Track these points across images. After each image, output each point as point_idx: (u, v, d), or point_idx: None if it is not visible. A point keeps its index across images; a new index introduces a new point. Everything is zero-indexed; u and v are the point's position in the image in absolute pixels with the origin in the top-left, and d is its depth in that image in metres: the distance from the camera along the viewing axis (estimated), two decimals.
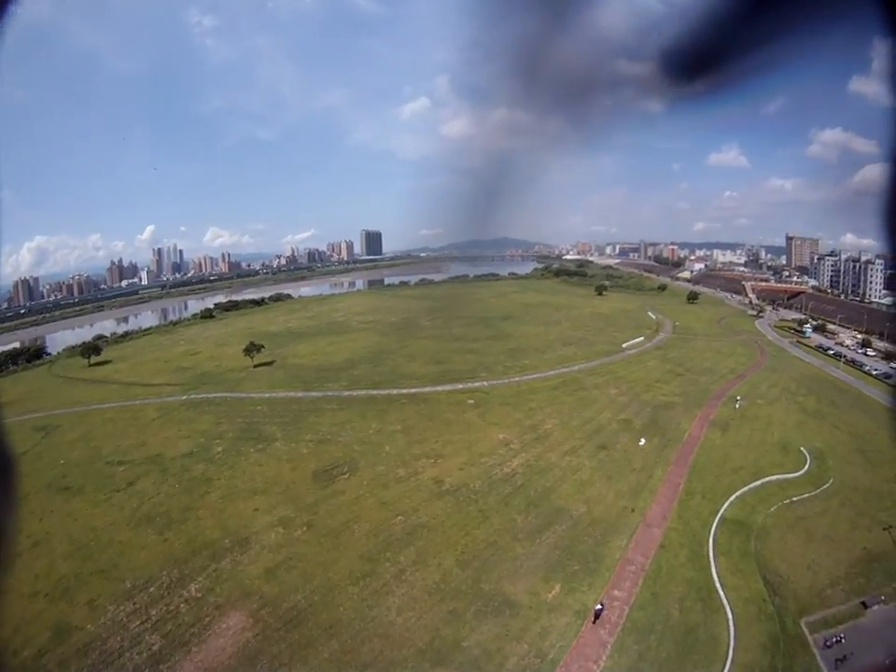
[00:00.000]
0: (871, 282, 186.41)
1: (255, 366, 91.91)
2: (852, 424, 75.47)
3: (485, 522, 46.28)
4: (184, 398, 78.86)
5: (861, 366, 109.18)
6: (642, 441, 64.06)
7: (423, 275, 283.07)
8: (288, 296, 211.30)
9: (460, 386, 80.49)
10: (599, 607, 37.02)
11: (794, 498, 54.79)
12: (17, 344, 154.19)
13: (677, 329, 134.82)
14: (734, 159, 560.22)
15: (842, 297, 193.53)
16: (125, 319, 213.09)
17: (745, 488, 55.56)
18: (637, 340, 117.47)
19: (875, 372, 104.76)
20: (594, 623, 36.24)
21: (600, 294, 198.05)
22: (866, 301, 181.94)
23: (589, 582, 40.17)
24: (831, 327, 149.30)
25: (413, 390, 78.47)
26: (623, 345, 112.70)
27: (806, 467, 61.49)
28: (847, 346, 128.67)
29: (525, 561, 42.02)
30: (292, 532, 44.76)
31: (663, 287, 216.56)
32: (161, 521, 46.96)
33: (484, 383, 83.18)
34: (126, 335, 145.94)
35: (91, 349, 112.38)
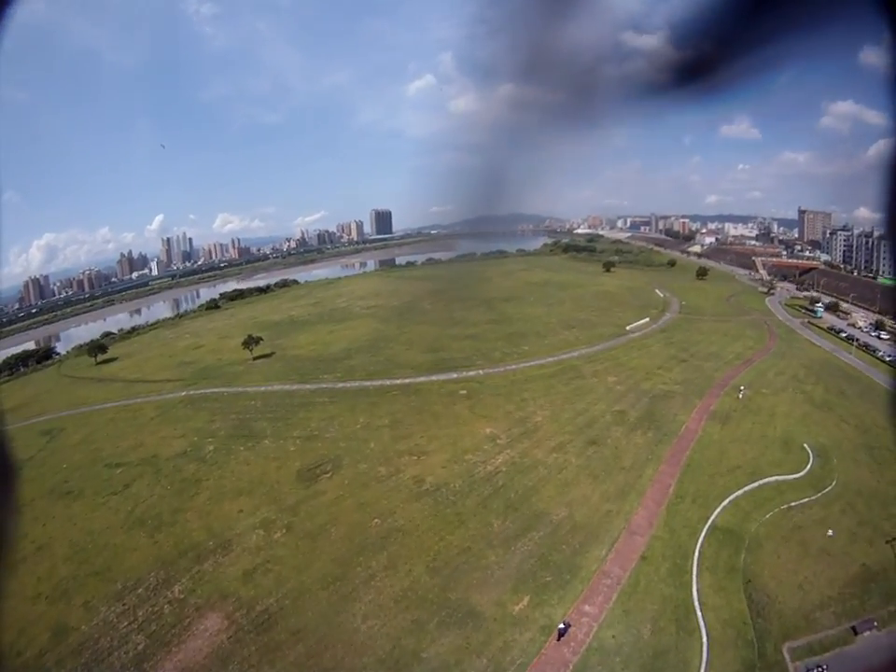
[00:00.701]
0: (884, 258, 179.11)
1: (254, 358, 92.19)
2: (861, 417, 72.25)
3: (461, 526, 45.31)
4: (183, 394, 79.46)
5: (874, 351, 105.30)
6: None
7: (433, 254, 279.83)
8: (294, 282, 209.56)
9: (454, 376, 79.51)
10: (563, 626, 35.29)
11: (793, 504, 52.05)
12: (31, 344, 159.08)
13: (684, 308, 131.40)
14: (745, 131, 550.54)
15: (854, 273, 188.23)
16: (138, 311, 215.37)
17: (740, 491, 53.04)
18: (642, 321, 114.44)
19: (888, 358, 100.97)
20: (558, 640, 34.65)
21: (608, 271, 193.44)
22: (880, 276, 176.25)
23: (560, 596, 38.88)
24: (844, 306, 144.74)
25: (406, 380, 77.64)
26: (628, 328, 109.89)
27: (809, 466, 58.73)
28: (859, 328, 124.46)
29: (497, 570, 41.00)
30: (272, 534, 45.06)
31: (672, 263, 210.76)
32: (153, 523, 48.03)
33: (479, 371, 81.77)
34: (133, 331, 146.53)
35: (98, 347, 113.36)
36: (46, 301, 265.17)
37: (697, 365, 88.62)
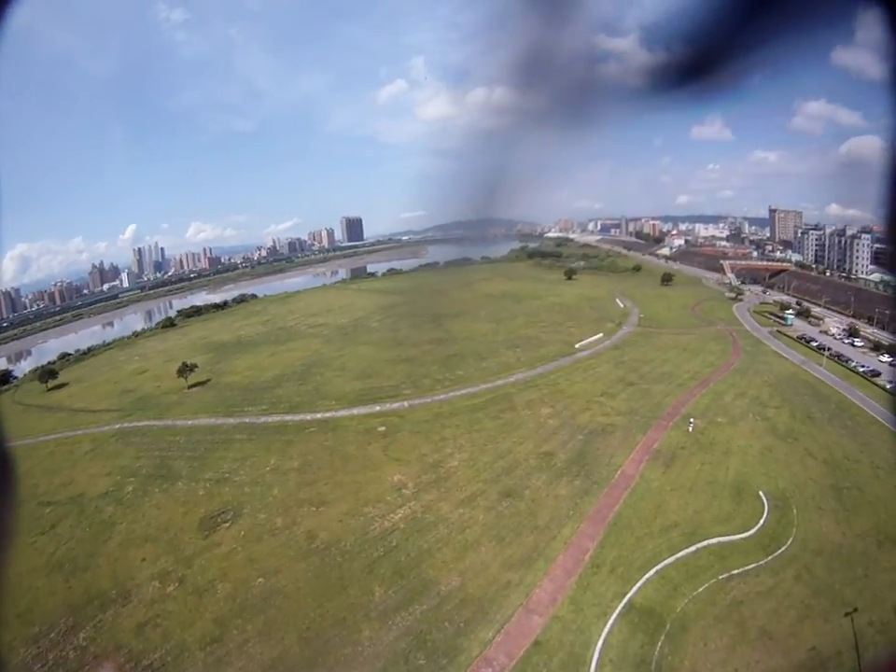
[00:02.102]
0: (857, 257, 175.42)
1: (189, 387, 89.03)
2: (830, 447, 62.64)
3: (342, 592, 41.03)
4: (117, 427, 76.82)
5: (846, 361, 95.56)
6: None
7: (397, 262, 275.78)
8: (253, 296, 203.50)
9: (377, 409, 73.86)
10: None
11: (735, 572, 42.15)
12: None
13: (642, 320, 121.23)
14: (717, 132, 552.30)
15: (827, 273, 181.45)
16: (105, 326, 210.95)
17: (671, 558, 43.42)
18: (595, 338, 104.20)
19: (861, 369, 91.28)
20: None
21: (569, 279, 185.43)
22: (853, 276, 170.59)
23: None
24: (816, 310, 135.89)
25: (328, 414, 72.61)
26: (577, 345, 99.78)
27: (762, 521, 48.64)
28: (832, 335, 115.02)
29: (368, 647, 36.35)
30: (166, 587, 43.34)
31: (637, 268, 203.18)
32: (69, 567, 46.87)
33: (405, 403, 75.53)
34: (89, 351, 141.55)
35: (48, 373, 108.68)
36: (17, 315, 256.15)
37: (646, 389, 78.15)
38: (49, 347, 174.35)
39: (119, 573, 45.44)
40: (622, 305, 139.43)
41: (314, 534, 47.52)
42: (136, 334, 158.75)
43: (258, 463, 60.68)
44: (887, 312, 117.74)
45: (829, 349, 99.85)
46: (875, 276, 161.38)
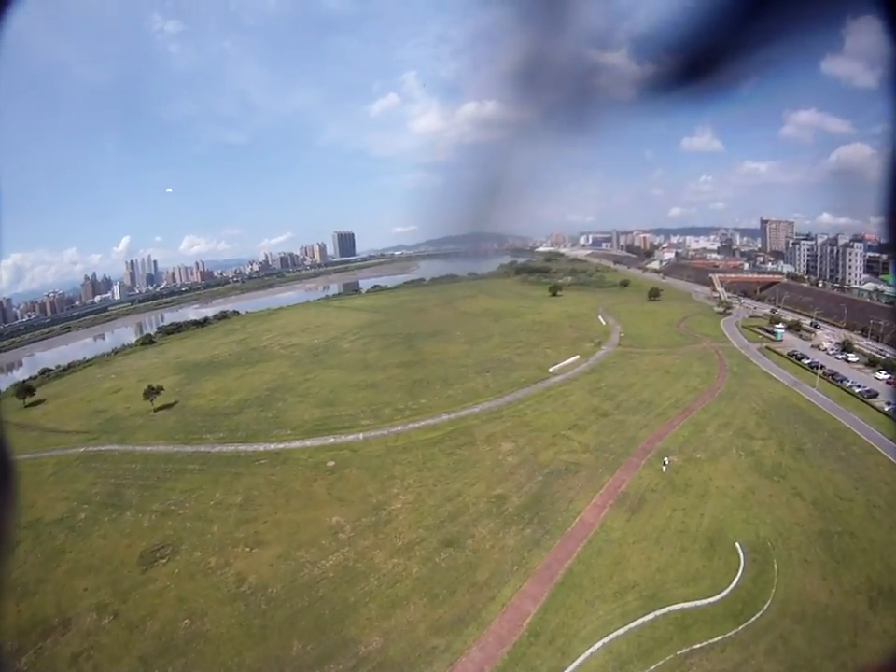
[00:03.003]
0: (850, 266, 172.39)
1: (156, 409, 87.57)
2: (821, 484, 56.01)
3: (261, 643, 38.01)
4: (81, 450, 75.54)
5: (841, 380, 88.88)
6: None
7: (389, 277, 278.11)
8: (235, 313, 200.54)
9: (331, 440, 69.82)
10: None
11: (697, 646, 35.58)
12: None
13: (624, 339, 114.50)
14: (707, 143, 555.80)
15: (820, 283, 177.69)
16: (93, 338, 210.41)
17: (624, 628, 37.05)
18: (571, 360, 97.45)
19: (857, 390, 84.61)
20: None
21: (554, 295, 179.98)
22: (845, 286, 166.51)
23: None
24: (808, 323, 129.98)
25: (280, 446, 69.51)
26: (551, 369, 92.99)
27: (735, 580, 41.95)
28: (824, 350, 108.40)
29: None
30: (101, 619, 41.93)
31: (625, 283, 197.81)
32: (21, 591, 45.47)
33: (360, 435, 70.95)
34: (69, 367, 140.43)
35: (25, 390, 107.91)
36: (8, 326, 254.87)
37: (620, 421, 71.30)
38: (35, 360, 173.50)
39: (63, 601, 44.74)
40: (604, 323, 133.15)
41: (243, 577, 44.96)
42: (115, 351, 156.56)
43: (203, 496, 58.41)
44: (881, 323, 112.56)
45: (822, 367, 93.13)
46: (869, 286, 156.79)
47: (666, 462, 58.76)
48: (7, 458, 2.94)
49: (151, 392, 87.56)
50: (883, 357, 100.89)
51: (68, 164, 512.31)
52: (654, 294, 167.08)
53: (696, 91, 4.25)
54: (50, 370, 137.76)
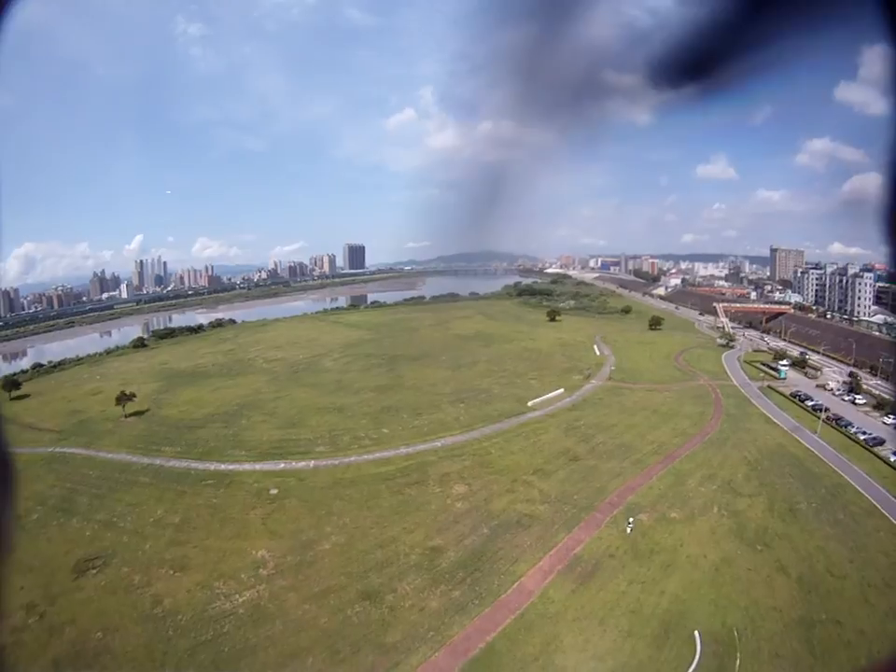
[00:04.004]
0: (859, 297, 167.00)
1: (127, 415, 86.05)
2: (811, 556, 49.12)
3: (159, 669, 36.62)
4: (50, 450, 74.36)
5: (846, 426, 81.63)
6: None
7: (393, 292, 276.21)
8: (231, 321, 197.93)
9: (281, 466, 66.77)
10: None
11: None
12: None
13: (615, 373, 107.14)
14: (722, 170, 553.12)
15: (828, 315, 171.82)
16: (101, 335, 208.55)
17: None
18: (553, 394, 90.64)
19: (862, 437, 77.28)
20: None
21: (552, 320, 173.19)
22: (854, 317, 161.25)
23: None
24: (814, 358, 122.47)
25: (231, 467, 66.92)
26: (530, 403, 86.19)
27: None
28: (830, 390, 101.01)
29: None
30: (28, 619, 41.07)
31: (627, 310, 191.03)
32: None
33: (311, 462, 67.28)
34: (60, 364, 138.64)
35: (11, 383, 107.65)
36: (14, 316, 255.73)
37: (591, 467, 64.43)
38: (35, 353, 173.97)
39: None
40: (598, 353, 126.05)
41: (159, 599, 43.47)
42: (108, 352, 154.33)
43: (145, 512, 56.86)
44: (891, 360, 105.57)
45: (826, 410, 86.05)
46: (878, 318, 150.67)
47: (631, 522, 51.72)
48: (6, 458, 2.86)
49: (124, 398, 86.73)
50: (892, 400, 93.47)
51: (86, 160, 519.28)
52: (655, 323, 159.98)
53: (696, 91, 4.20)
54: (42, 364, 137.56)
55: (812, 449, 72.82)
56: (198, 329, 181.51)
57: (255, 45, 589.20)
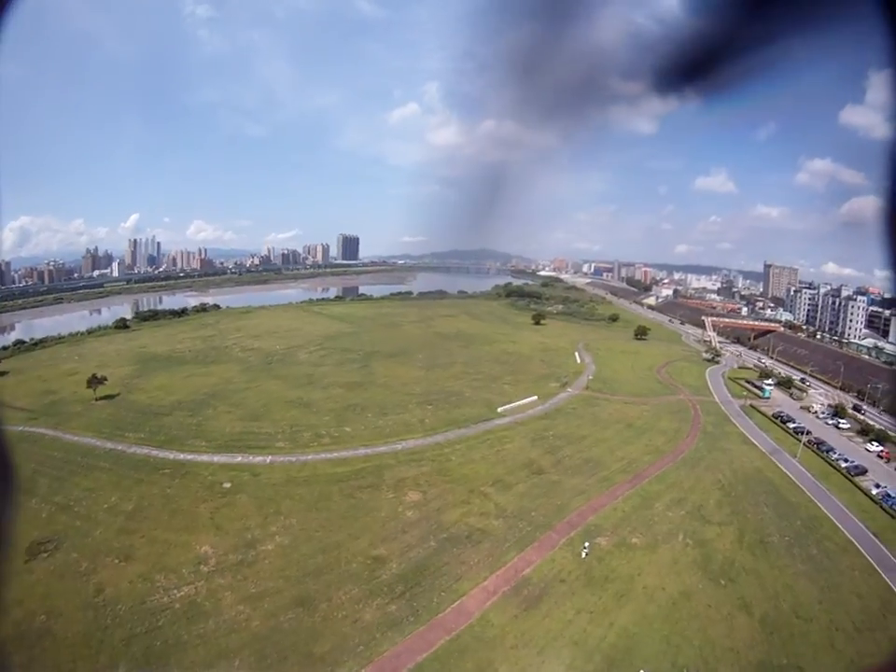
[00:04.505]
0: (851, 320, 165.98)
1: (97, 399, 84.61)
2: (778, 594, 45.67)
3: (94, 657, 35.62)
4: (19, 429, 72.04)
5: (827, 451, 78.39)
6: None
7: (383, 285, 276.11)
8: (216, 307, 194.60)
9: (238, 459, 64.69)
10: None
11: None
12: None
13: (594, 382, 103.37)
14: (721, 183, 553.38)
15: (818, 335, 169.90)
16: (89, 312, 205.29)
17: None
18: (525, 401, 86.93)
19: (844, 465, 74.08)
20: None
21: (537, 324, 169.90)
22: (844, 340, 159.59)
23: None
24: (799, 378, 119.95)
25: (189, 457, 65.19)
26: (500, 409, 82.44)
27: None
28: (814, 413, 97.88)
29: None
30: None
31: (614, 318, 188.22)
32: None
33: (268, 458, 65.05)
34: (42, 342, 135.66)
35: None
36: (4, 289, 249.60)
37: (555, 482, 60.77)
38: (21, 328, 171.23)
39: None
40: (579, 360, 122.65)
41: (102, 588, 42.57)
42: (90, 331, 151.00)
43: (101, 498, 55.66)
44: (879, 385, 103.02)
45: (808, 433, 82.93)
46: (868, 342, 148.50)
47: (587, 547, 48.01)
48: (6, 457, 2.81)
49: (95, 381, 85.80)
50: (877, 426, 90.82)
51: (88, 135, 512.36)
52: (641, 333, 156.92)
53: (699, 88, 4.19)
54: (24, 342, 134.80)
55: (790, 475, 69.57)
56: (181, 313, 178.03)
57: (262, 30, 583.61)
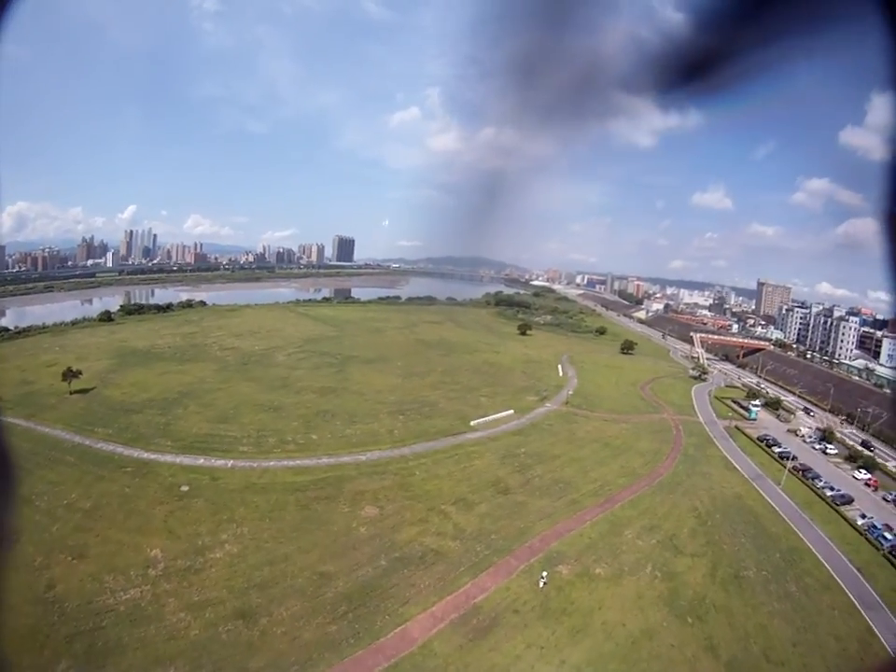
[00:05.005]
0: (842, 341, 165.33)
1: (72, 392, 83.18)
2: (748, 635, 42.36)
3: (39, 651, 34.67)
4: None
5: (813, 479, 75.56)
6: None
7: (375, 289, 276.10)
8: (202, 303, 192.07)
9: (200, 461, 63.19)
10: None
11: None
12: None
13: (573, 397, 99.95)
14: (718, 200, 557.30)
15: (808, 355, 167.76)
16: (82, 302, 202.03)
17: None
18: (500, 415, 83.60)
19: (829, 493, 71.19)
20: None
21: (523, 334, 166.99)
22: (835, 361, 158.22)
23: None
24: (790, 399, 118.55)
25: (153, 456, 63.50)
26: (473, 422, 79.13)
27: None
28: (802, 437, 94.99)
29: None
30: None
31: (602, 331, 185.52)
32: None
33: (230, 462, 63.18)
34: (26, 330, 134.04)
35: None
36: None
37: (520, 503, 57.41)
38: (12, 314, 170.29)
39: None
40: (561, 374, 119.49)
41: (53, 584, 41.87)
42: (74, 322, 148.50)
43: (62, 493, 54.43)
44: (869, 410, 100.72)
45: (794, 458, 79.85)
46: (859, 363, 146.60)
47: (545, 577, 44.61)
48: (6, 455, 2.81)
49: (70, 374, 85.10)
50: (865, 452, 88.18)
51: (90, 123, 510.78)
52: (628, 347, 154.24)
53: (697, 89, 4.11)
54: (8, 329, 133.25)
55: (772, 503, 66.57)
56: (167, 308, 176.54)
57: (268, 26, 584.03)
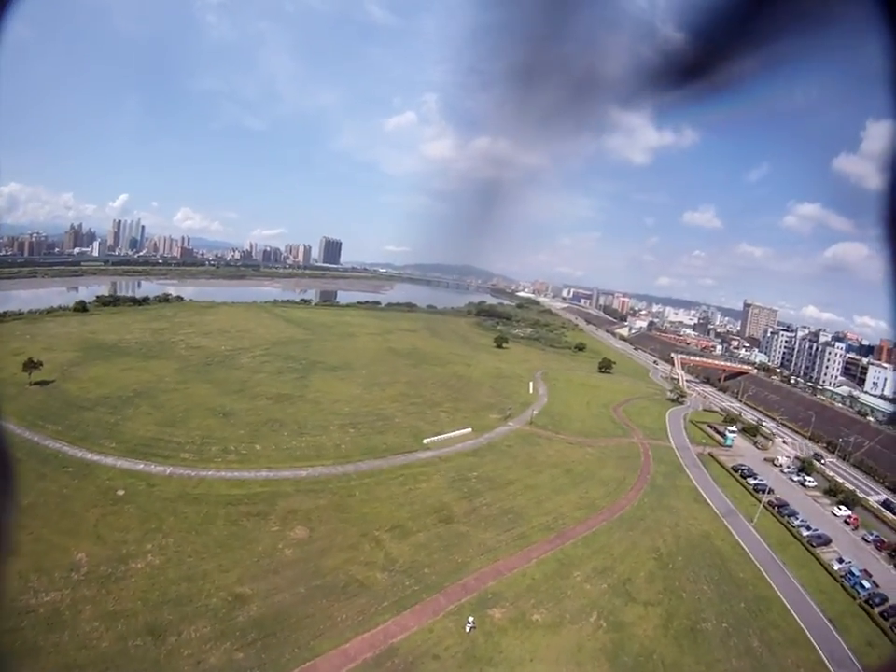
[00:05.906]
0: (827, 366, 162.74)
1: (31, 384, 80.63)
2: None
3: None
4: None
5: (789, 516, 70.97)
6: None
7: (358, 292, 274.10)
8: (179, 298, 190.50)
9: (140, 466, 60.60)
10: None
11: None
12: None
13: (539, 417, 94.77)
14: (708, 220, 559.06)
15: (792, 380, 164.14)
16: (60, 290, 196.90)
17: None
18: (458, 433, 78.36)
19: (805, 533, 66.48)
20: None
21: (499, 347, 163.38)
22: (819, 386, 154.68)
23: None
24: (769, 425, 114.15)
25: (96, 457, 60.81)
26: (427, 440, 73.84)
27: None
28: (780, 467, 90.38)
29: None
30: None
31: (581, 347, 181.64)
32: None
33: (169, 469, 60.34)
34: (3, 316, 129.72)
35: None
36: None
37: (462, 534, 52.19)
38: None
39: None
40: (531, 391, 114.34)
41: None
42: (49, 311, 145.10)
43: None
44: (851, 439, 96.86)
45: (770, 491, 75.03)
46: (843, 390, 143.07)
47: (472, 622, 39.23)
48: (6, 455, 2.77)
49: (30, 365, 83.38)
50: (846, 487, 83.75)
51: (87, 110, 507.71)
52: (605, 366, 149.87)
53: (695, 89, 4.07)
54: None
55: (742, 543, 61.56)
56: (142, 302, 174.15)
57: (271, 23, 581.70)
